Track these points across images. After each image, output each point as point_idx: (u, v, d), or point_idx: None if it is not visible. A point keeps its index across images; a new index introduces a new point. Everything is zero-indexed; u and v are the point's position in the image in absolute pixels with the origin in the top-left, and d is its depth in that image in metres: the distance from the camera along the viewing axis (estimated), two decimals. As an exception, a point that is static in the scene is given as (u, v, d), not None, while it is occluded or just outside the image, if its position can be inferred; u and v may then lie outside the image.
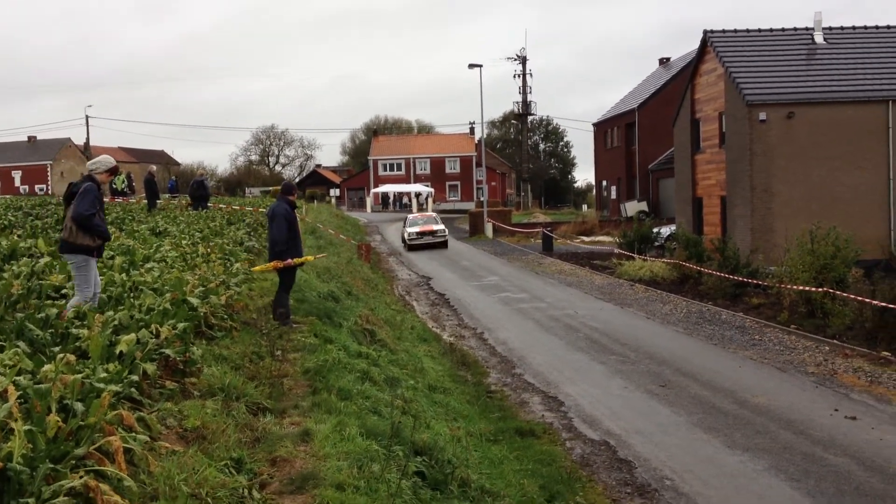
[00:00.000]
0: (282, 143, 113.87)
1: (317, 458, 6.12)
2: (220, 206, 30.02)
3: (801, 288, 17.03)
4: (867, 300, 15.03)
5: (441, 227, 37.68)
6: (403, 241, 38.46)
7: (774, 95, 27.96)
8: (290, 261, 11.20)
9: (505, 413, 10.92)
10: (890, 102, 27.35)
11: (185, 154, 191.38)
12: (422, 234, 36.99)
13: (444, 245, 37.09)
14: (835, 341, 14.94)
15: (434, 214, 41.39)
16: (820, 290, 16.45)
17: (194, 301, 9.02)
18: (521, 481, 7.99)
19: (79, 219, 8.78)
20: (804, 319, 16.70)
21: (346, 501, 5.42)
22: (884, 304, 14.62)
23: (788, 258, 18.21)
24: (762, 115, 27.49)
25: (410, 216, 41.17)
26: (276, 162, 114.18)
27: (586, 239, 40.20)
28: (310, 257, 12.56)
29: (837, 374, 12.85)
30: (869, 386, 12.08)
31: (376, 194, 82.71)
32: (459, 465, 7.31)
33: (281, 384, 8.24)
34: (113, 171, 9.52)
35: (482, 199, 48.16)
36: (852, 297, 15.56)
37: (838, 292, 16.06)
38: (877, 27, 31.83)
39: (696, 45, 33.31)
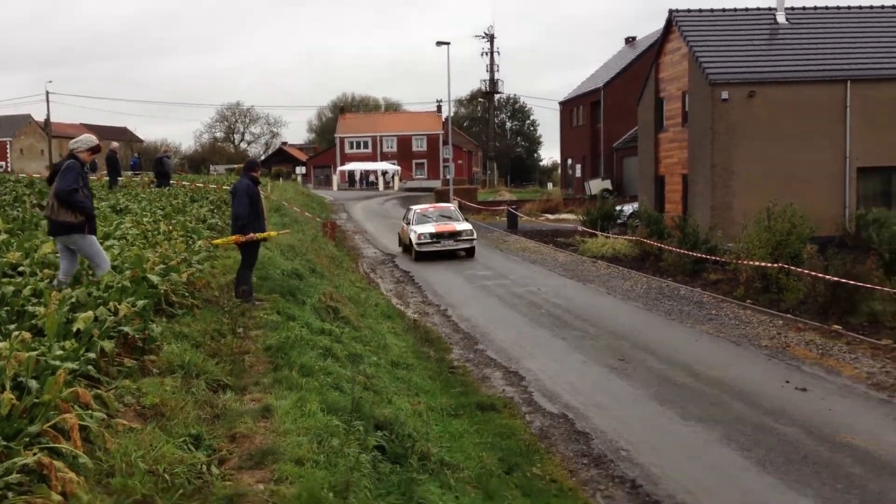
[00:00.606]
0: (247, 121, 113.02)
1: (277, 433, 6.17)
2: (184, 183, 29.78)
3: (757, 264, 17.38)
4: (820, 275, 15.38)
5: (467, 225, 26.12)
6: (406, 245, 26.71)
7: (736, 75, 28.24)
8: (251, 235, 11.22)
9: (466, 388, 11.05)
10: (848, 82, 27.77)
11: (149, 131, 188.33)
12: (438, 236, 25.10)
13: (469, 253, 25.61)
14: (788, 315, 15.30)
15: (452, 206, 29.22)
16: (775, 265, 16.80)
17: (154, 278, 9.00)
18: (481, 454, 8.13)
19: (61, 195, 8.83)
20: (760, 294, 17.07)
21: (305, 476, 5.48)
22: (836, 278, 14.97)
23: (746, 235, 18.55)
24: (724, 95, 27.77)
25: (416, 208, 27.92)
26: (242, 139, 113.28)
27: (551, 217, 40.48)
28: (273, 233, 12.57)
29: (790, 347, 13.18)
30: (820, 358, 12.42)
31: (343, 172, 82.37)
32: (420, 439, 7.41)
33: (242, 361, 8.26)
34: (95, 150, 9.56)
35: (448, 177, 48.20)
36: (806, 272, 15.91)
37: (793, 268, 16.41)
38: (837, 7, 32.20)
39: (662, 24, 33.51)
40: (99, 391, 5.77)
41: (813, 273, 15.66)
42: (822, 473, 7.99)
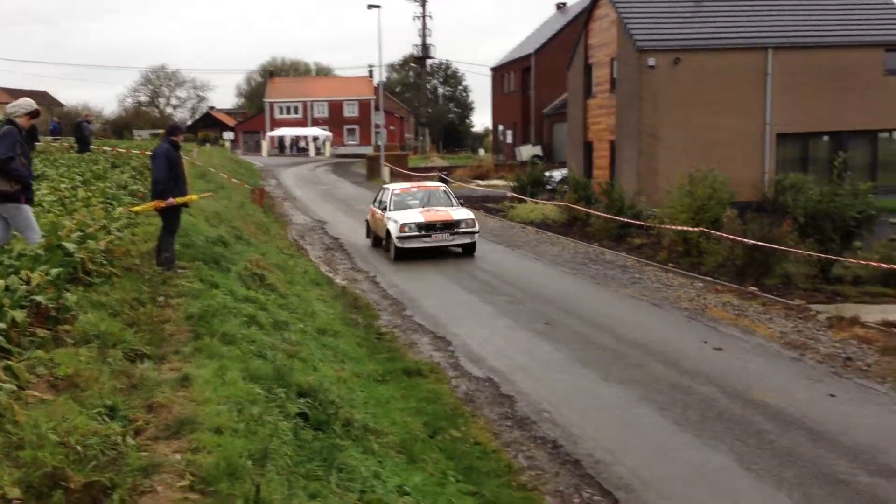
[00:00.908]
0: (173, 84, 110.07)
1: (196, 402, 6.10)
2: (105, 148, 28.98)
3: (679, 228, 17.80)
4: (738, 239, 15.83)
5: (466, 213, 19.63)
6: (379, 237, 20.36)
7: (663, 42, 28.61)
8: (171, 200, 11.02)
9: (393, 354, 11.10)
10: (769, 49, 28.42)
11: (70, 95, 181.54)
12: (429, 227, 18.76)
13: (469, 251, 19.39)
14: (707, 278, 15.79)
15: (443, 187, 22.00)
16: (696, 229, 17.23)
17: (70, 246, 8.75)
18: (405, 419, 8.19)
19: None
20: (681, 258, 17.55)
21: (224, 444, 5.44)
22: (753, 242, 15.44)
23: (669, 200, 18.96)
24: (651, 61, 28.14)
25: (394, 188, 21.09)
26: (167, 104, 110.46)
27: (481, 183, 40.59)
28: (193, 196, 12.34)
29: (708, 308, 13.58)
30: (736, 319, 12.83)
31: (272, 138, 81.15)
32: (344, 406, 7.43)
33: (162, 330, 8.14)
34: (34, 115, 9.21)
35: (380, 143, 47.88)
36: (725, 235, 16.35)
37: (712, 232, 16.85)
38: (760, -25, 32.79)
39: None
40: (9, 362, 5.63)
41: (731, 237, 16.11)
42: (735, 430, 8.29)
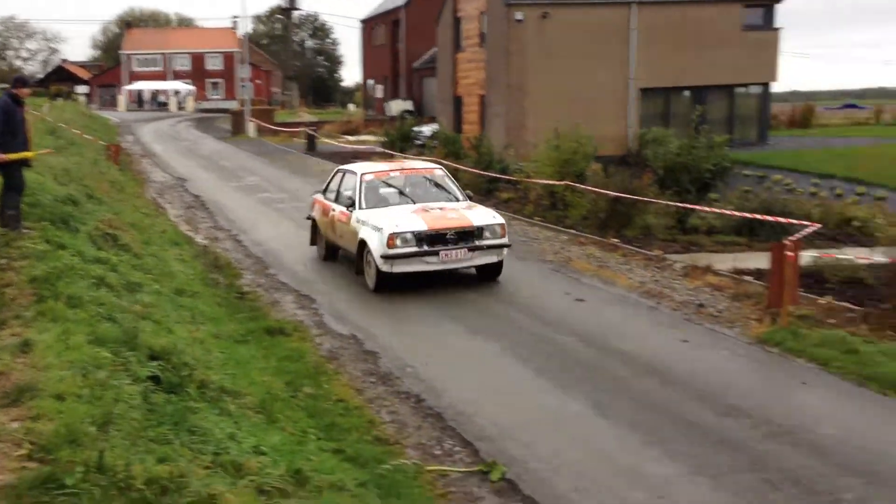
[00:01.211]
0: (23, 36, 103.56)
1: (37, 369, 5.81)
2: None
3: (545, 182, 18.10)
4: (601, 191, 16.23)
5: (491, 216, 12.35)
6: (339, 247, 13.58)
7: (531, -4, 28.83)
8: (2, 156, 10.30)
9: (256, 313, 10.81)
10: (634, 5, 29.12)
11: None
12: (434, 238, 11.66)
13: (492, 273, 12.48)
14: (572, 231, 16.15)
15: (440, 170, 13.86)
16: (561, 183, 17.56)
17: None
18: (265, 379, 8.00)
19: None
20: (547, 212, 17.88)
21: (65, 411, 5.19)
22: (615, 194, 15.87)
23: (536, 154, 19.23)
24: (519, 15, 28.34)
25: (361, 171, 13.20)
26: (16, 56, 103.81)
27: (351, 138, 40.16)
28: (30, 154, 11.55)
29: (572, 260, 13.89)
30: (598, 270, 13.18)
31: (130, 92, 77.63)
32: (199, 368, 7.17)
33: (2, 294, 7.70)
34: None
35: (245, 97, 46.45)
36: (589, 189, 16.73)
37: (578, 185, 17.21)
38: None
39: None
40: None
41: (595, 190, 16.50)
42: (593, 378, 8.50)
